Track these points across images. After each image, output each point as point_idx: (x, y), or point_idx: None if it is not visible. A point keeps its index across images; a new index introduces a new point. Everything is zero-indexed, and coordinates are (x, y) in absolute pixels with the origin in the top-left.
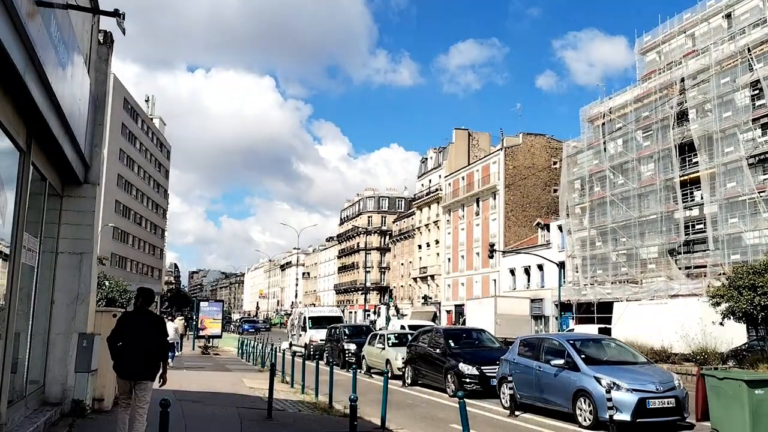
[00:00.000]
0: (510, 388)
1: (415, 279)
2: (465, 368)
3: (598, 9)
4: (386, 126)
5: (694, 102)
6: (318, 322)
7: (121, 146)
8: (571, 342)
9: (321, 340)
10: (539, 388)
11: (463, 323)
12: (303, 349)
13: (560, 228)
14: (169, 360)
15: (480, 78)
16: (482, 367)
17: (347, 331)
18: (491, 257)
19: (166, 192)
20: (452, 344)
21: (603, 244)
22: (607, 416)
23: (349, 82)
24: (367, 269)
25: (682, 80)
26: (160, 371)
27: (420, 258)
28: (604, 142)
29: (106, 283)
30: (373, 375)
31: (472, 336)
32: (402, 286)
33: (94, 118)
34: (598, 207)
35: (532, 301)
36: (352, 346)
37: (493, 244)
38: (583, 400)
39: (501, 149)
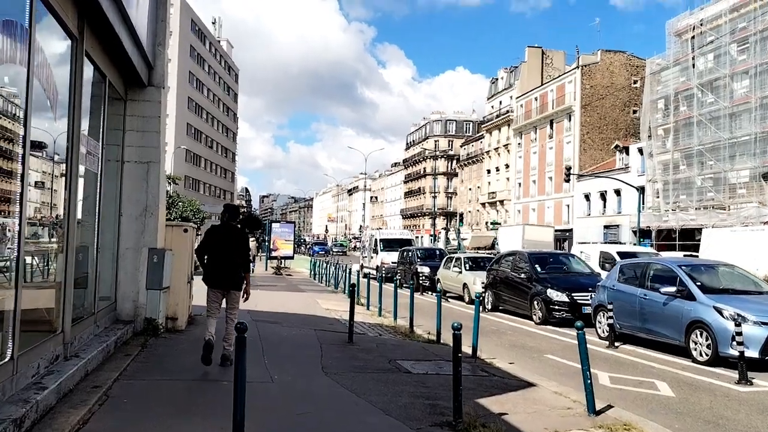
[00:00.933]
0: (609, 318)
1: (483, 204)
2: (554, 294)
3: None
4: (452, 48)
5: None
6: (389, 244)
7: (191, 69)
8: (684, 267)
9: (393, 263)
10: (643, 317)
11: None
12: (375, 271)
13: (641, 151)
14: None
15: None
16: (573, 294)
17: (420, 254)
18: (567, 181)
19: (236, 116)
20: (539, 269)
21: (687, 167)
22: (731, 352)
23: (414, 2)
24: (434, 194)
25: None
26: (244, 284)
27: (489, 183)
28: (693, 58)
29: (180, 203)
30: (449, 299)
31: (560, 260)
32: (470, 212)
33: (155, 12)
34: (684, 128)
35: (607, 227)
36: (426, 269)
37: (569, 168)
38: (699, 332)
39: (577, 67)
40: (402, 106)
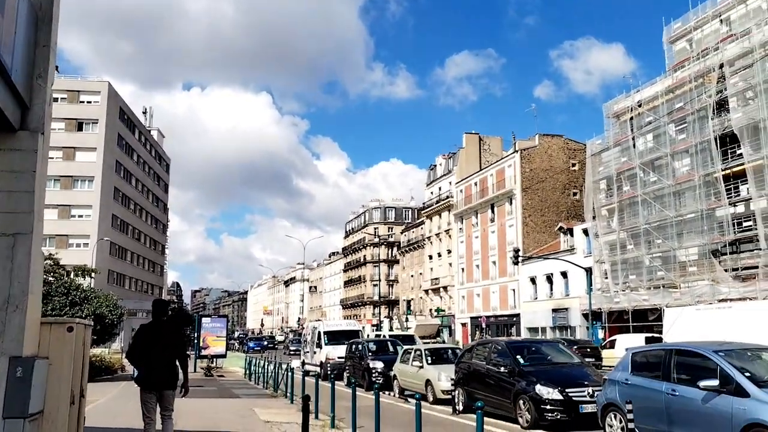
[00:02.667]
0: (621, 420)
1: (426, 291)
2: (544, 391)
3: (594, 16)
4: (384, 140)
5: (735, 89)
6: (334, 337)
7: (118, 158)
8: (722, 354)
9: (339, 358)
10: (672, 420)
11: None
12: (318, 368)
13: (585, 232)
14: None
15: (476, 90)
16: (567, 390)
17: (371, 347)
18: (516, 263)
19: (166, 207)
20: (521, 360)
21: (635, 247)
22: None
23: (346, 96)
24: (375, 282)
25: (721, 66)
26: (181, 380)
27: (431, 269)
28: (633, 138)
29: (95, 298)
30: (408, 399)
31: (543, 350)
32: (413, 299)
33: (31, 33)
34: (628, 207)
35: (555, 310)
36: (379, 365)
37: (518, 249)
38: None
39: (517, 151)
40: (337, 196)
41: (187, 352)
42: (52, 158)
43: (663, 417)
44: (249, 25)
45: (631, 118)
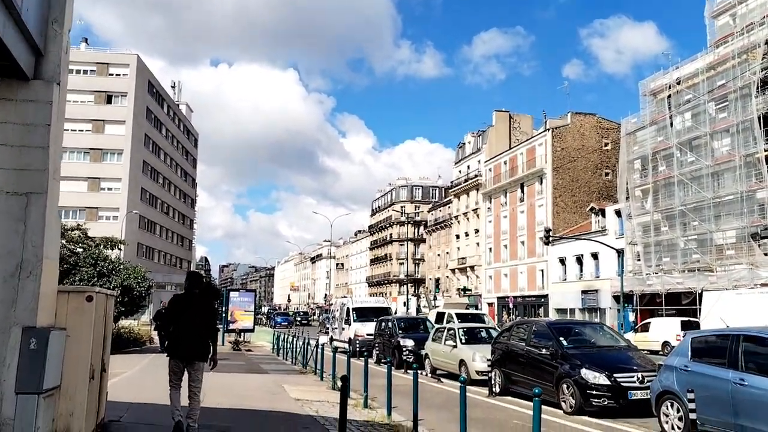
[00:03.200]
0: (678, 409)
1: (453, 270)
2: (590, 376)
3: None
4: (411, 119)
5: None
6: (363, 314)
7: (147, 131)
8: None
9: (368, 335)
10: (740, 411)
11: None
12: (347, 345)
13: (618, 213)
14: None
15: (504, 68)
16: (614, 375)
17: (401, 325)
18: (547, 243)
19: (194, 181)
20: (564, 342)
21: (669, 228)
22: None
23: (372, 74)
24: (401, 261)
25: (766, 42)
26: (211, 353)
27: (458, 248)
28: (671, 117)
29: (123, 269)
30: (441, 379)
31: (587, 331)
32: (438, 278)
33: None
34: (664, 188)
35: (585, 292)
36: (410, 343)
37: (549, 230)
38: None
39: (548, 130)
40: (363, 175)
41: (217, 326)
42: (82, 131)
43: (728, 408)
44: (276, 2)
45: (669, 96)
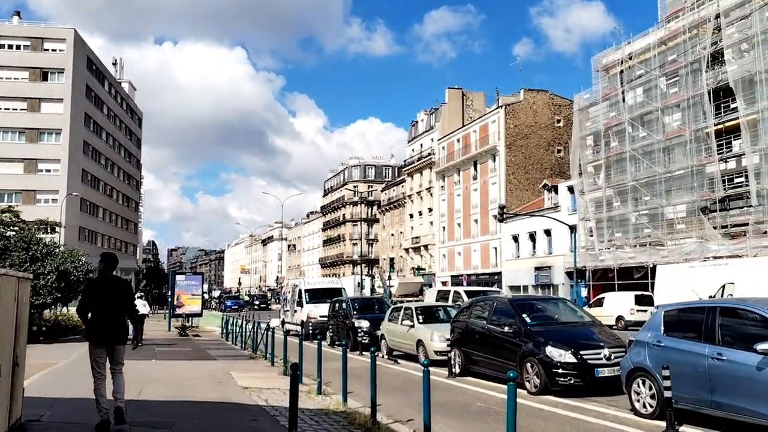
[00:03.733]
0: (650, 387)
1: (407, 250)
2: (555, 353)
3: None
4: (362, 98)
5: (731, 41)
6: (316, 295)
7: (86, 110)
8: None
9: (321, 317)
10: (717, 387)
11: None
12: (299, 328)
13: (570, 189)
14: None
15: (455, 47)
16: (581, 352)
17: (356, 305)
18: (502, 221)
19: (139, 162)
20: (527, 319)
21: (621, 204)
22: None
23: (322, 52)
24: (354, 242)
25: (717, 17)
26: (131, 334)
27: (412, 228)
28: (623, 92)
29: (58, 253)
30: (398, 361)
31: (550, 308)
32: (392, 258)
33: None
34: (616, 164)
35: (538, 269)
36: (365, 324)
37: (504, 206)
38: None
39: (501, 107)
40: (314, 155)
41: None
42: (16, 110)
43: (705, 384)
44: None
45: (621, 72)
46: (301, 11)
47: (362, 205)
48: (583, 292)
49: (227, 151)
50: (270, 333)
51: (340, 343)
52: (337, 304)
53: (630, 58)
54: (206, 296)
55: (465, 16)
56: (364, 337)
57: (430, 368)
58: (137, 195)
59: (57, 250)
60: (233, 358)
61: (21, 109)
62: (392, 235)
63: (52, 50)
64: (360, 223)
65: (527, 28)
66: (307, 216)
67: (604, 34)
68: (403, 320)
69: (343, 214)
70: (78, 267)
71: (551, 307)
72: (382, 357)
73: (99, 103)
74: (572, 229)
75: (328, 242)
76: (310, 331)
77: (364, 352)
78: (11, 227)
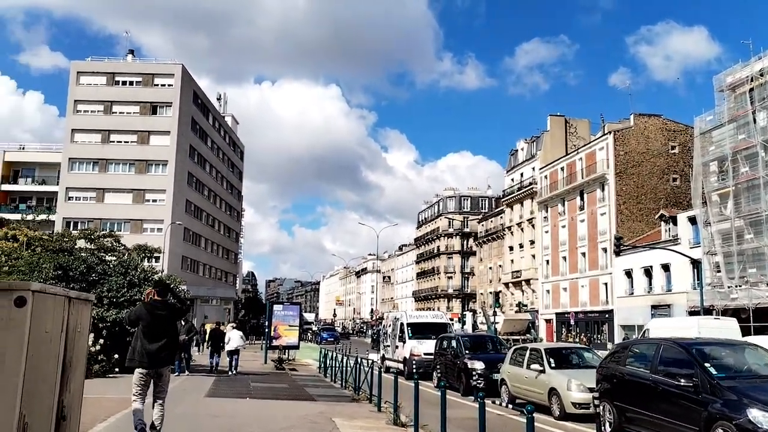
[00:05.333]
0: None
1: (506, 284)
2: (763, 419)
3: None
4: (453, 131)
5: None
6: (420, 330)
7: (191, 142)
8: None
9: (426, 354)
10: None
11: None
12: (401, 365)
13: (692, 220)
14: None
15: (548, 78)
16: None
17: (467, 343)
18: (618, 254)
19: (240, 194)
20: (713, 370)
21: (755, 236)
22: None
23: (413, 87)
24: (449, 275)
25: None
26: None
27: (512, 261)
28: (753, 112)
29: (156, 278)
30: (524, 411)
31: (737, 354)
32: (490, 293)
33: None
34: (746, 191)
35: (655, 307)
36: (479, 365)
37: (620, 238)
38: None
39: (609, 133)
40: (405, 189)
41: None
42: (128, 142)
43: None
44: (319, 17)
45: (751, 90)
46: (393, 48)
47: (457, 237)
48: None
49: (322, 185)
50: (372, 372)
51: (446, 384)
52: (445, 341)
53: (761, 75)
54: (314, 327)
55: (558, 46)
56: (479, 381)
57: (566, 422)
58: (238, 226)
59: (155, 276)
60: (334, 399)
61: (132, 142)
62: (490, 268)
63: (162, 85)
64: (455, 255)
65: (624, 57)
66: (400, 248)
67: (708, 60)
68: (529, 364)
69: (438, 246)
70: (175, 293)
71: (738, 355)
72: (503, 405)
73: (203, 135)
74: (696, 264)
75: (422, 275)
76: (414, 370)
77: (477, 398)
78: (112, 252)
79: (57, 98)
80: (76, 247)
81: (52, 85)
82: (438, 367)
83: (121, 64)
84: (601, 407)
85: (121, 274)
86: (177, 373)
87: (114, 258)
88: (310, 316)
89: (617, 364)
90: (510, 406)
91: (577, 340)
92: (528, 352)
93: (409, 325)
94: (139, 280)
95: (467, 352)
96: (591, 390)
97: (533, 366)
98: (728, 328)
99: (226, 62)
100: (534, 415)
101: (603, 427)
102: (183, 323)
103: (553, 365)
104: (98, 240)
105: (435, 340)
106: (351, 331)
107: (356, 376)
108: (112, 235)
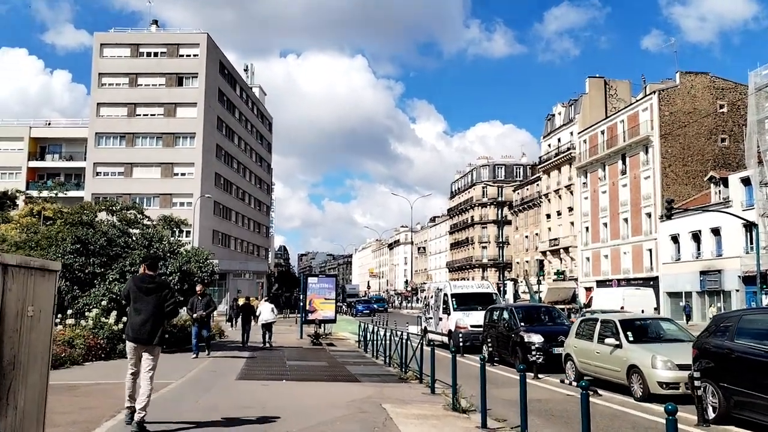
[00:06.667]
0: None
1: (543, 253)
2: None
3: None
4: (482, 100)
5: None
6: (464, 301)
7: (219, 114)
8: None
9: (473, 327)
10: None
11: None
12: (445, 338)
13: (745, 181)
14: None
15: (579, 43)
16: None
17: (521, 314)
18: (670, 217)
19: (270, 166)
20: None
21: None
22: None
23: (441, 57)
24: (483, 245)
25: None
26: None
27: (549, 229)
28: None
29: (183, 250)
30: (599, 392)
31: None
32: (527, 262)
33: None
34: None
35: (704, 273)
36: (537, 338)
37: (672, 200)
38: None
39: (654, 92)
40: (435, 160)
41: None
42: (154, 115)
43: None
44: None
45: None
46: (419, 16)
47: (492, 206)
48: (765, 300)
49: (351, 158)
50: (422, 348)
51: (498, 359)
52: (495, 313)
53: None
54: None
55: (589, 10)
56: (538, 356)
57: (651, 404)
58: (269, 199)
59: (181, 248)
60: (380, 380)
61: (159, 115)
62: (526, 237)
63: (187, 56)
64: (489, 225)
65: (657, 19)
66: (433, 219)
67: (745, 20)
68: (601, 337)
69: (471, 216)
70: (203, 267)
71: None
72: (568, 383)
73: (231, 107)
74: (750, 226)
75: (455, 245)
76: (460, 343)
77: (539, 376)
78: (135, 225)
79: (84, 76)
80: (97, 219)
81: (78, 63)
82: (489, 340)
83: (145, 34)
84: (704, 389)
85: (144, 247)
86: (195, 355)
87: (138, 231)
88: (354, 288)
89: (722, 338)
90: (573, 383)
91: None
92: (599, 324)
93: (453, 296)
94: (164, 253)
95: (522, 324)
96: (680, 367)
97: (607, 340)
98: (646, 296)
99: (252, 36)
100: (610, 395)
101: (706, 413)
102: (200, 298)
103: (630, 339)
104: (121, 212)
105: (482, 312)
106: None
107: (403, 352)
108: (136, 207)
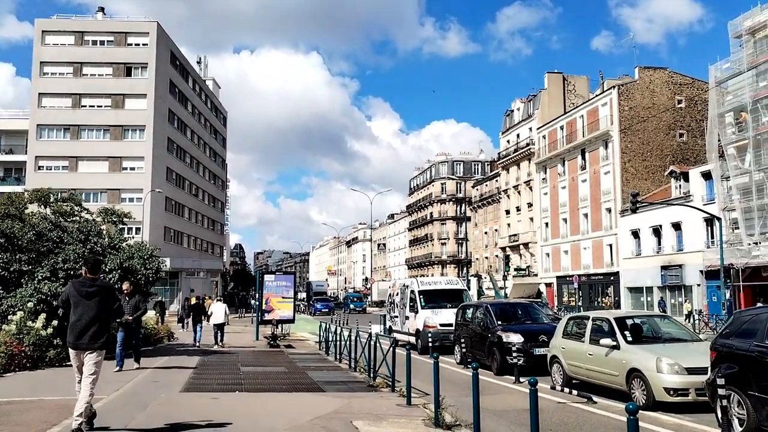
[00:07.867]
0: None
1: (503, 249)
2: None
3: None
4: (437, 99)
5: None
6: (433, 298)
7: (171, 106)
8: None
9: (442, 326)
10: None
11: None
12: (412, 338)
13: (706, 175)
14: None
15: (530, 43)
16: None
17: (497, 312)
18: (634, 211)
19: (224, 162)
20: None
21: None
22: None
23: (396, 55)
24: (443, 241)
25: None
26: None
27: (508, 225)
28: None
29: (125, 246)
30: (593, 399)
31: None
32: (486, 258)
33: None
34: (767, 143)
35: (665, 268)
36: (516, 339)
37: (637, 194)
38: None
39: (613, 87)
40: (391, 158)
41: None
42: (101, 107)
43: None
44: None
45: None
46: (374, 14)
47: (451, 202)
48: (726, 294)
49: (307, 155)
50: (394, 352)
51: (471, 361)
52: (468, 310)
53: None
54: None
55: (540, 10)
56: (519, 358)
57: (657, 414)
58: (223, 195)
59: (123, 244)
60: (346, 387)
61: (106, 106)
62: (485, 233)
63: (135, 44)
64: (449, 221)
65: (606, 20)
66: (391, 216)
67: (690, 22)
68: (594, 337)
69: (431, 213)
70: (147, 264)
71: None
72: (558, 389)
73: (183, 99)
74: (710, 221)
75: (414, 242)
76: (429, 344)
77: (521, 379)
78: (71, 217)
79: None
80: (27, 212)
81: (22, 56)
82: (462, 340)
83: (91, 21)
84: (730, 398)
85: (80, 242)
86: (119, 367)
87: (74, 225)
88: (321, 285)
89: (749, 340)
90: (568, 390)
91: (604, 302)
92: (590, 323)
93: (421, 292)
94: (104, 249)
95: (499, 323)
96: (689, 371)
97: (602, 341)
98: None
99: (204, 31)
100: (607, 402)
101: (730, 426)
102: (127, 299)
103: (629, 339)
104: (56, 204)
105: (452, 309)
106: (343, 301)
107: (371, 356)
108: (73, 199)
